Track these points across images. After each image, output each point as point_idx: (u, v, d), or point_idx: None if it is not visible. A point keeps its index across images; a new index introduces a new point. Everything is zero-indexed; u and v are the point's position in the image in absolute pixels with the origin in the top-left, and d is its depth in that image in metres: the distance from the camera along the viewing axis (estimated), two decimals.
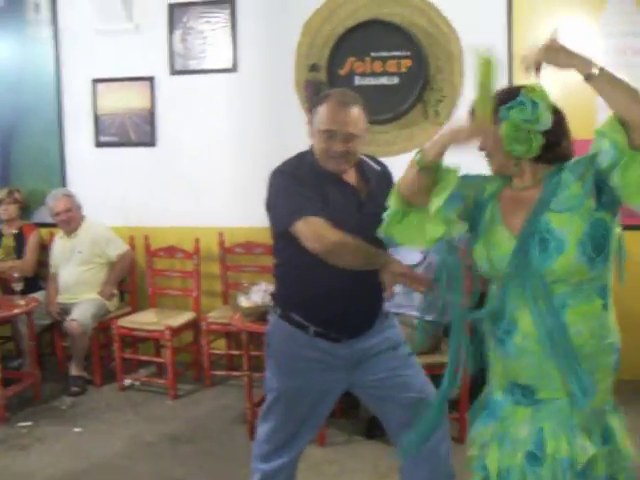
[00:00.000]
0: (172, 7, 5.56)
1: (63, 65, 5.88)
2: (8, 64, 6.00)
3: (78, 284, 5.32)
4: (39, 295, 5.38)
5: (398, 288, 2.55)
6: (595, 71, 1.96)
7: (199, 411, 4.77)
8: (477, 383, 2.66)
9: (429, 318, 2.45)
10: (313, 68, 5.28)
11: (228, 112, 5.55)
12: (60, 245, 5.47)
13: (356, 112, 2.57)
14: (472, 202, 2.23)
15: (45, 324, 5.40)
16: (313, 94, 5.13)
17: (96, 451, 4.17)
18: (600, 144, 1.95)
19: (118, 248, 5.44)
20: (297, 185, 2.56)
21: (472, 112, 2.11)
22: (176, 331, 5.10)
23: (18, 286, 5.02)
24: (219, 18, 5.47)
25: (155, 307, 5.53)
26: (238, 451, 4.05)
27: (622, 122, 1.89)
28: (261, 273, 5.09)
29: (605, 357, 2.11)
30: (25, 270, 5.45)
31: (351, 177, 2.67)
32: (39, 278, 5.70)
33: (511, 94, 2.10)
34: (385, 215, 2.27)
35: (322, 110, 2.58)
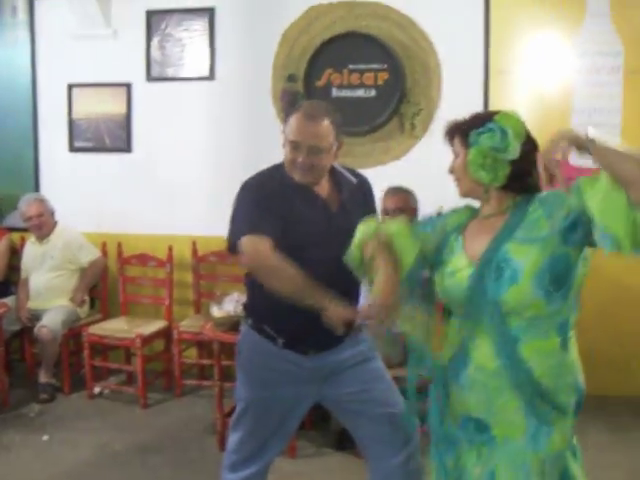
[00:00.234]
0: (150, 14, 5.55)
1: (39, 69, 5.84)
2: None
3: (49, 290, 5.28)
4: (9, 300, 5.32)
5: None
6: (590, 143, 1.86)
7: (169, 420, 4.73)
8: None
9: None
10: (290, 79, 5.29)
11: (204, 120, 5.54)
12: (32, 250, 5.42)
13: (323, 125, 2.56)
14: (433, 247, 2.22)
15: (15, 330, 5.33)
16: (289, 104, 5.14)
17: (64, 460, 4.12)
18: (589, 206, 1.85)
19: (90, 254, 5.39)
20: (258, 202, 2.57)
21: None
22: (147, 339, 5.06)
23: None
24: (198, 26, 5.46)
25: (126, 315, 5.49)
26: (208, 462, 4.02)
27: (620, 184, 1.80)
28: (234, 283, 5.06)
29: (563, 397, 2.03)
30: None
31: (323, 189, 2.67)
32: (10, 283, 5.63)
33: (484, 119, 2.07)
34: (349, 249, 2.30)
35: (291, 121, 2.60)
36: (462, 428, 2.13)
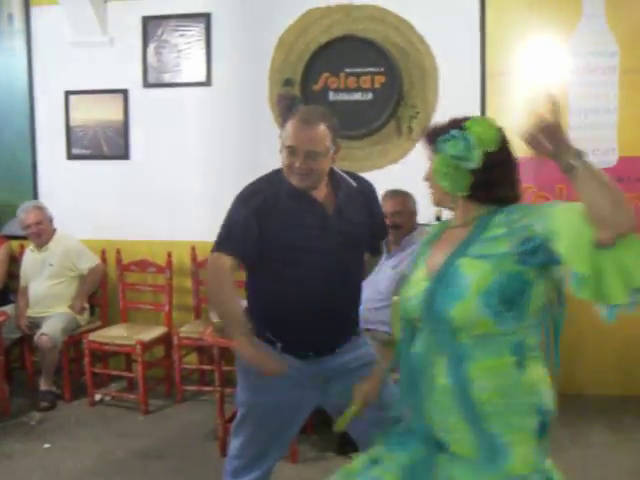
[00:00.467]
0: (147, 20, 5.55)
1: (36, 77, 5.84)
2: None
3: (48, 297, 5.27)
4: (9, 308, 5.32)
5: None
6: (577, 164, 1.74)
7: (170, 427, 4.72)
8: None
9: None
10: (287, 83, 5.29)
11: (202, 126, 5.54)
12: (31, 258, 5.41)
13: (319, 130, 2.57)
14: None
15: (14, 338, 5.32)
16: (286, 109, 5.13)
17: (65, 468, 4.12)
18: (556, 239, 1.76)
19: (89, 261, 5.39)
20: (243, 216, 2.60)
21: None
22: (147, 346, 5.06)
23: None
24: (194, 32, 5.46)
25: (126, 321, 5.49)
26: (209, 467, 4.01)
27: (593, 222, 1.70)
28: None
29: (519, 419, 1.93)
30: None
31: (321, 193, 2.67)
32: (9, 291, 5.63)
33: (453, 125, 2.00)
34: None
35: (287, 126, 2.60)
36: (425, 439, 2.06)
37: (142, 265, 5.51)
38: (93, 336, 5.13)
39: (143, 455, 4.28)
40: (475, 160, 1.94)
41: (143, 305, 5.56)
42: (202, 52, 5.47)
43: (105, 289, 5.63)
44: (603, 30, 4.84)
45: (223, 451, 4.02)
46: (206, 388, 5.15)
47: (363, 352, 2.76)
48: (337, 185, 2.71)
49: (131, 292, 5.58)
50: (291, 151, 2.57)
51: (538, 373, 1.97)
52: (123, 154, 5.69)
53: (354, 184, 2.78)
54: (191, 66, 5.51)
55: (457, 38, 5.03)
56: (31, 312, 5.29)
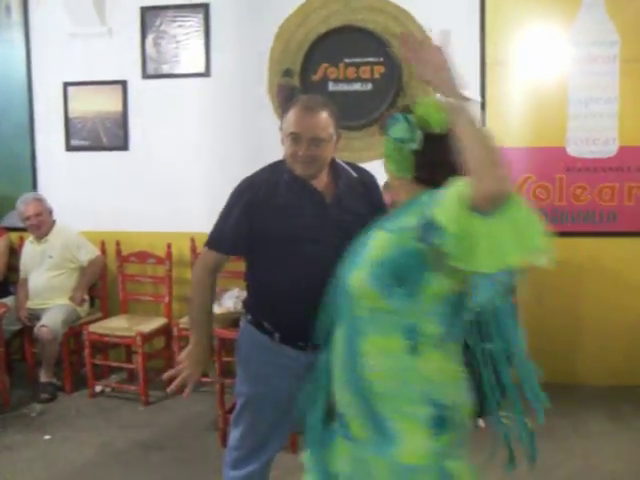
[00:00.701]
0: (145, 11, 5.53)
1: (34, 68, 5.82)
2: None
3: (48, 289, 5.27)
4: (8, 300, 5.32)
5: None
6: (457, 106, 1.79)
7: (171, 418, 4.73)
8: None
9: None
10: (286, 73, 5.28)
11: (201, 117, 5.53)
12: (30, 250, 5.41)
13: (322, 117, 2.56)
14: None
15: (15, 330, 5.33)
16: (285, 99, 5.12)
17: (66, 459, 4.13)
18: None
19: (89, 253, 5.38)
20: (240, 208, 2.62)
21: None
22: (147, 337, 5.06)
23: None
24: (192, 22, 5.45)
25: (126, 313, 5.49)
26: (210, 458, 4.02)
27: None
28: (233, 279, 5.04)
29: (410, 406, 1.88)
30: None
31: (321, 182, 2.66)
32: (9, 283, 5.63)
33: (403, 110, 2.03)
34: None
35: (289, 115, 2.59)
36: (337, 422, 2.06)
37: (142, 256, 5.51)
38: (93, 327, 5.14)
39: (144, 446, 4.29)
40: (416, 141, 1.95)
41: (143, 296, 5.56)
42: (201, 43, 5.45)
43: (105, 281, 5.62)
44: (603, 19, 4.83)
45: (223, 442, 4.03)
46: (206, 379, 5.14)
47: None
48: (337, 175, 2.71)
49: (131, 283, 5.58)
50: (294, 138, 2.56)
51: (436, 363, 1.91)
52: (122, 145, 5.68)
53: (354, 174, 2.77)
54: (190, 57, 5.49)
55: (457, 28, 4.99)
56: (31, 304, 5.29)
